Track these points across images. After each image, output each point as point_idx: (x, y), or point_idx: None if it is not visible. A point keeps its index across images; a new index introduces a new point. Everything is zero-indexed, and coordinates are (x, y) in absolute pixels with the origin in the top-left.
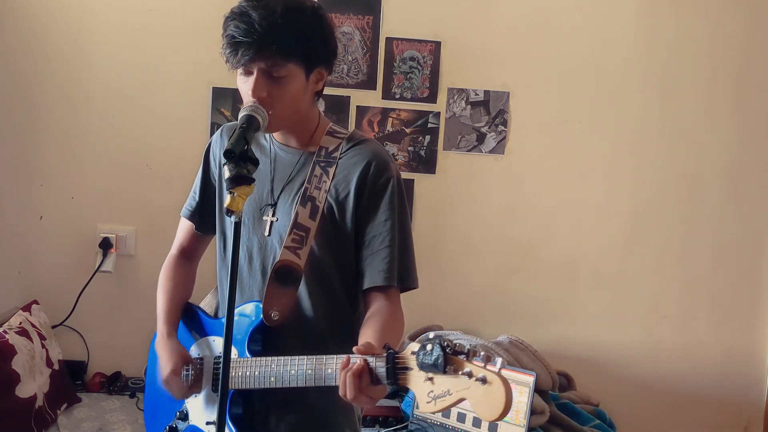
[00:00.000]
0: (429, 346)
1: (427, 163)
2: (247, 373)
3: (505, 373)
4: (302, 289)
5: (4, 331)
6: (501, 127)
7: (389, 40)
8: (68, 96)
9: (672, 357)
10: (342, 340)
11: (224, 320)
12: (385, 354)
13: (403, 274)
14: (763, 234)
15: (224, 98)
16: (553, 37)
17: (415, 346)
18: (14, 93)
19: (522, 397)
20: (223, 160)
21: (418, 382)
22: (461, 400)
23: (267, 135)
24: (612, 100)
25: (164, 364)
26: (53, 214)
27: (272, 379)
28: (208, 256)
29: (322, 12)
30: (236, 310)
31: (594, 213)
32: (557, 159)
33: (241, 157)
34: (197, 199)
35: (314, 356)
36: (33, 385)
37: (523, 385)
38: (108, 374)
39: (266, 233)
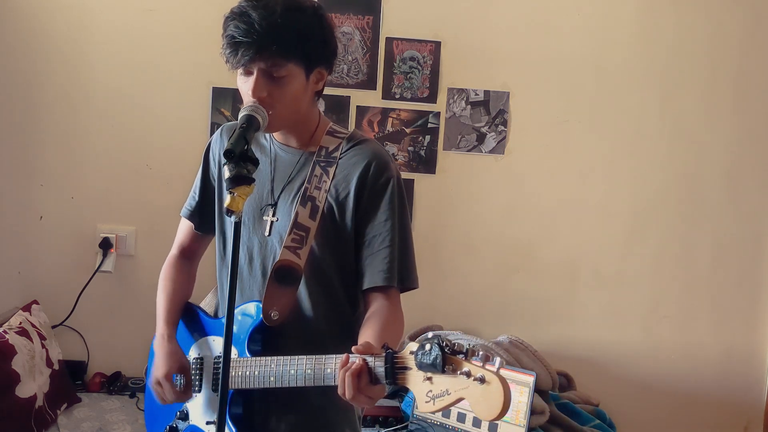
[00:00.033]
0: (428, 346)
1: (427, 163)
2: (247, 373)
3: (503, 372)
4: (302, 289)
5: (4, 331)
6: (501, 127)
7: (389, 40)
8: (68, 96)
9: (672, 357)
10: (342, 340)
11: (224, 320)
12: (383, 354)
13: (403, 274)
14: (763, 234)
15: (224, 98)
16: (553, 37)
17: (413, 346)
18: (14, 93)
19: (522, 397)
20: (223, 160)
21: (416, 381)
22: (460, 399)
23: (267, 135)
24: (612, 100)
25: (158, 366)
26: (53, 214)
27: (272, 378)
28: (209, 256)
29: (322, 12)
30: (236, 310)
31: (594, 213)
32: (557, 159)
33: (241, 157)
34: (197, 198)
35: (314, 356)
36: (33, 385)
37: (523, 385)
38: (108, 374)
39: (266, 233)
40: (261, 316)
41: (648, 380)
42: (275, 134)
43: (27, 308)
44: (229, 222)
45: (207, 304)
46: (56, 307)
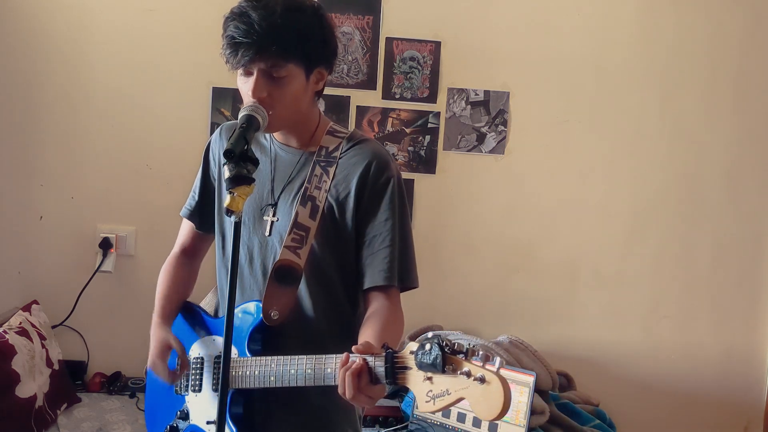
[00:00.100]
0: (428, 346)
1: (427, 163)
2: (247, 373)
3: (504, 372)
4: (302, 289)
5: (4, 331)
6: (501, 127)
7: (389, 40)
8: (68, 96)
9: (672, 357)
10: (342, 339)
11: (224, 320)
12: (384, 353)
13: (403, 274)
14: (763, 234)
15: (224, 98)
16: (553, 37)
17: (413, 346)
18: (14, 93)
19: (522, 397)
20: (223, 160)
21: (417, 381)
22: (460, 399)
23: (267, 135)
24: (612, 100)
25: (150, 351)
26: (53, 214)
27: (272, 378)
28: (208, 255)
29: (322, 12)
30: (236, 310)
31: (594, 213)
32: (557, 159)
33: (241, 157)
34: (197, 198)
35: (314, 356)
36: (33, 385)
37: (523, 385)
38: (108, 374)
39: (266, 233)
40: (261, 315)
41: (648, 380)
42: (275, 134)
43: (27, 308)
44: (229, 222)
45: (207, 303)
46: (56, 307)
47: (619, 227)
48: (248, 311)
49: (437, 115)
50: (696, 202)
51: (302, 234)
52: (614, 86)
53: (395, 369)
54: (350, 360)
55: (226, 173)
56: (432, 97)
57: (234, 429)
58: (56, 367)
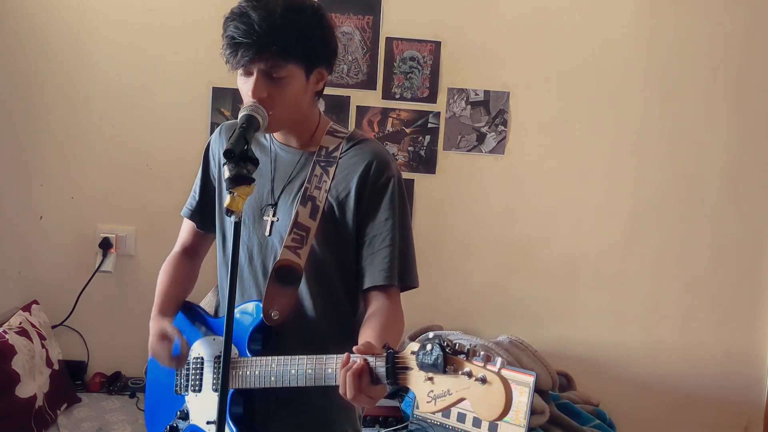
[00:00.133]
0: (429, 346)
1: (427, 163)
2: (248, 373)
3: (505, 372)
4: (303, 289)
5: (4, 331)
6: (501, 127)
7: (389, 40)
8: (68, 96)
9: (672, 357)
10: (342, 339)
11: (224, 319)
12: (385, 354)
13: (403, 273)
14: (763, 234)
15: (224, 98)
16: (553, 37)
17: (414, 346)
18: (14, 93)
19: (522, 397)
20: (223, 160)
21: (418, 382)
22: (461, 399)
23: (267, 135)
24: (612, 100)
25: (149, 341)
26: (53, 214)
27: (273, 378)
28: (209, 255)
29: (322, 12)
30: (236, 310)
31: (594, 213)
32: (557, 159)
33: (241, 157)
34: (197, 198)
35: (314, 356)
36: (33, 385)
37: (523, 385)
38: (108, 374)
39: (267, 233)
40: (261, 315)
41: (648, 380)
42: (275, 134)
43: (27, 308)
44: (229, 222)
45: (207, 303)
46: (56, 307)
47: (619, 227)
48: (248, 311)
49: (437, 115)
50: (696, 202)
51: (302, 234)
52: (614, 86)
53: (396, 369)
54: (351, 360)
55: (226, 173)
56: (432, 97)
57: (234, 429)
58: (56, 367)
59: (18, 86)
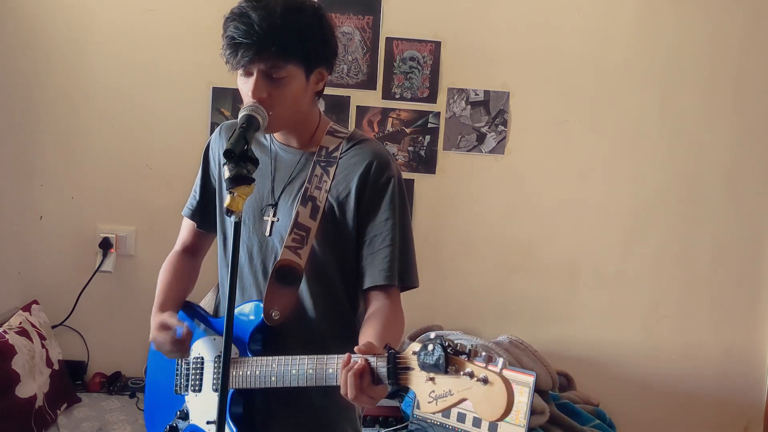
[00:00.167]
0: (430, 347)
1: (427, 163)
2: (248, 373)
3: (506, 373)
4: (303, 289)
5: (4, 331)
6: (501, 127)
7: (389, 40)
8: (68, 96)
9: (672, 357)
10: (342, 339)
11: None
12: (386, 354)
13: (403, 273)
14: (763, 234)
15: (224, 98)
16: (553, 37)
17: (416, 346)
18: (14, 93)
19: (522, 397)
20: (223, 160)
21: (419, 382)
22: (463, 400)
23: (267, 135)
24: (612, 100)
25: (150, 334)
26: (53, 214)
27: (273, 378)
28: (209, 255)
29: (322, 12)
30: (237, 310)
31: (594, 213)
32: (557, 159)
33: (241, 157)
34: (198, 198)
35: (315, 356)
36: (33, 385)
37: (523, 385)
38: (108, 374)
39: (267, 233)
40: (262, 315)
41: (648, 380)
42: (276, 134)
43: (27, 308)
44: (230, 221)
45: (206, 303)
46: (56, 307)
47: (619, 227)
48: (249, 311)
49: (437, 115)
50: (696, 202)
51: (303, 234)
52: (614, 86)
53: (398, 370)
54: (352, 360)
55: (226, 173)
56: (432, 97)
57: (234, 429)
58: (56, 367)
59: (18, 86)
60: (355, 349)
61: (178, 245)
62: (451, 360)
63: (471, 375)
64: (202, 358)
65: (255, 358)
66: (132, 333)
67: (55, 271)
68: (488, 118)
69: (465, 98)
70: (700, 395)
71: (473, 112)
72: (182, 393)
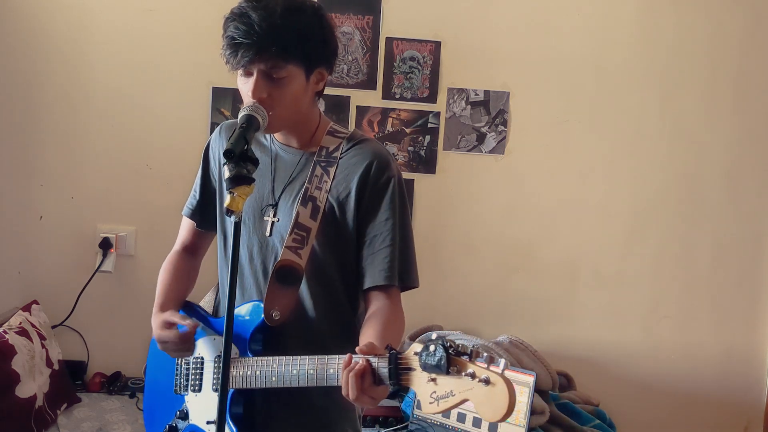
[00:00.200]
0: (432, 347)
1: (427, 163)
2: (249, 373)
3: (508, 374)
4: (303, 289)
5: (4, 331)
6: (501, 127)
7: (389, 40)
8: (68, 96)
9: (672, 357)
10: (343, 339)
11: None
12: (387, 354)
13: (403, 273)
14: (763, 234)
15: (224, 98)
16: (553, 37)
17: (417, 347)
18: (14, 93)
19: (522, 397)
20: (223, 160)
21: (420, 383)
22: (464, 401)
23: (268, 135)
24: (612, 100)
25: (153, 333)
26: (53, 214)
27: (274, 378)
28: (209, 255)
29: (322, 12)
30: (237, 310)
31: (594, 213)
32: (557, 159)
33: (241, 157)
34: (198, 197)
35: (316, 356)
36: (33, 385)
37: (523, 385)
38: (108, 374)
39: (267, 233)
40: (262, 315)
41: (648, 380)
42: (276, 134)
43: (27, 308)
44: (230, 221)
45: (206, 303)
46: (56, 307)
47: (619, 227)
48: (249, 311)
49: (437, 115)
50: (696, 202)
51: (303, 234)
52: (614, 86)
53: (399, 370)
54: (353, 361)
55: (226, 173)
56: (432, 97)
57: (234, 429)
58: (56, 367)
59: (18, 86)
60: (357, 349)
61: (177, 245)
62: (452, 361)
63: (473, 376)
64: (202, 358)
65: (255, 358)
66: (132, 333)
67: (55, 271)
68: (488, 118)
69: (465, 98)
70: (700, 395)
71: (473, 112)
72: (182, 393)
